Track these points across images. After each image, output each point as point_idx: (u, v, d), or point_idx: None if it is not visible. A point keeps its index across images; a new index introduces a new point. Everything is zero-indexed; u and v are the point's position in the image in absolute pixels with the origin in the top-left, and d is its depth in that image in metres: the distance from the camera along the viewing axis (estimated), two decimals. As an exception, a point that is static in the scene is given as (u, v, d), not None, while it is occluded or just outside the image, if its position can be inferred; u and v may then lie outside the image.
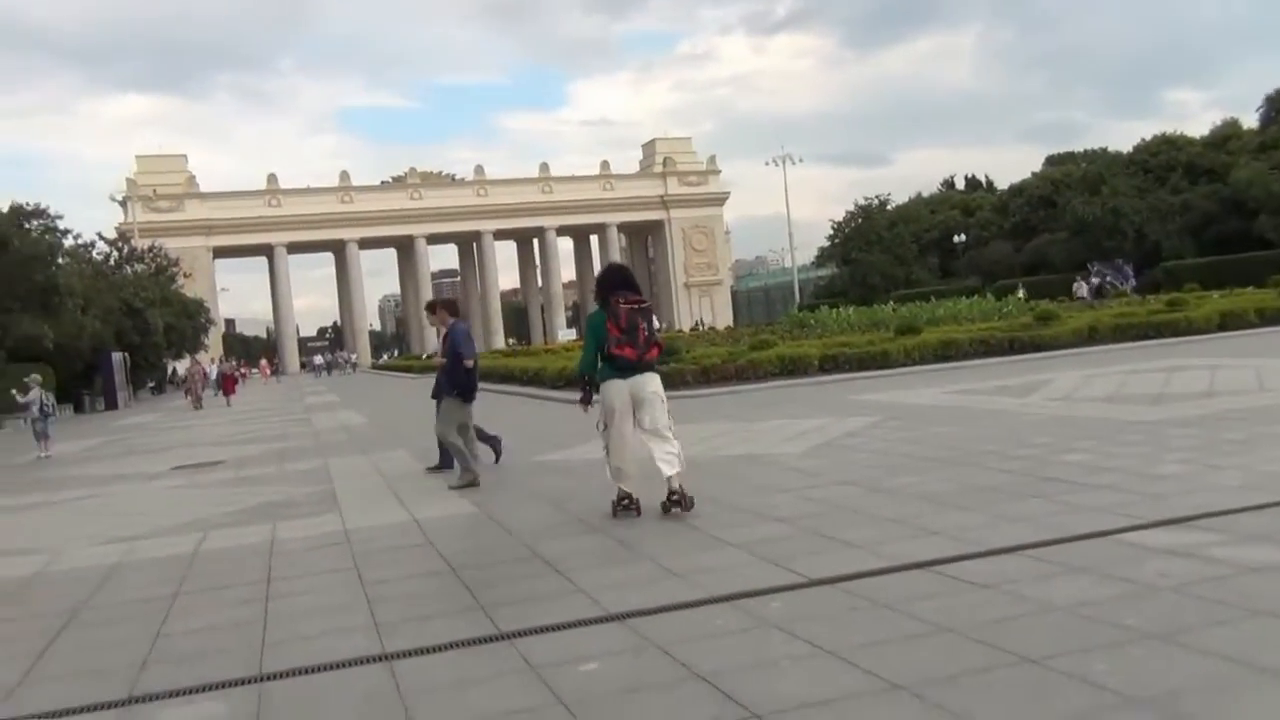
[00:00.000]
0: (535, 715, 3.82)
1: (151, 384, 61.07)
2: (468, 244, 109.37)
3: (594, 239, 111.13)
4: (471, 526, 8.03)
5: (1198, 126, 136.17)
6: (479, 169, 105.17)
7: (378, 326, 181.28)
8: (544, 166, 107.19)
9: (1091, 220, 65.37)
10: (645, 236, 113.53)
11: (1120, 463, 7.87)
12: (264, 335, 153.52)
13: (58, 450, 20.26)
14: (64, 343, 37.28)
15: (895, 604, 4.74)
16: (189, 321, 61.26)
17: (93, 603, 6.52)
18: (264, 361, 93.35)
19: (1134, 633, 4.07)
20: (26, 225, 38.35)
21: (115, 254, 56.18)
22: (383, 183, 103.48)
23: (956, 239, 79.13)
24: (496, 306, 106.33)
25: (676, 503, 7.49)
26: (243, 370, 73.97)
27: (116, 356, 44.79)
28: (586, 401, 8.02)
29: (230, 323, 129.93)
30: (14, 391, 21.33)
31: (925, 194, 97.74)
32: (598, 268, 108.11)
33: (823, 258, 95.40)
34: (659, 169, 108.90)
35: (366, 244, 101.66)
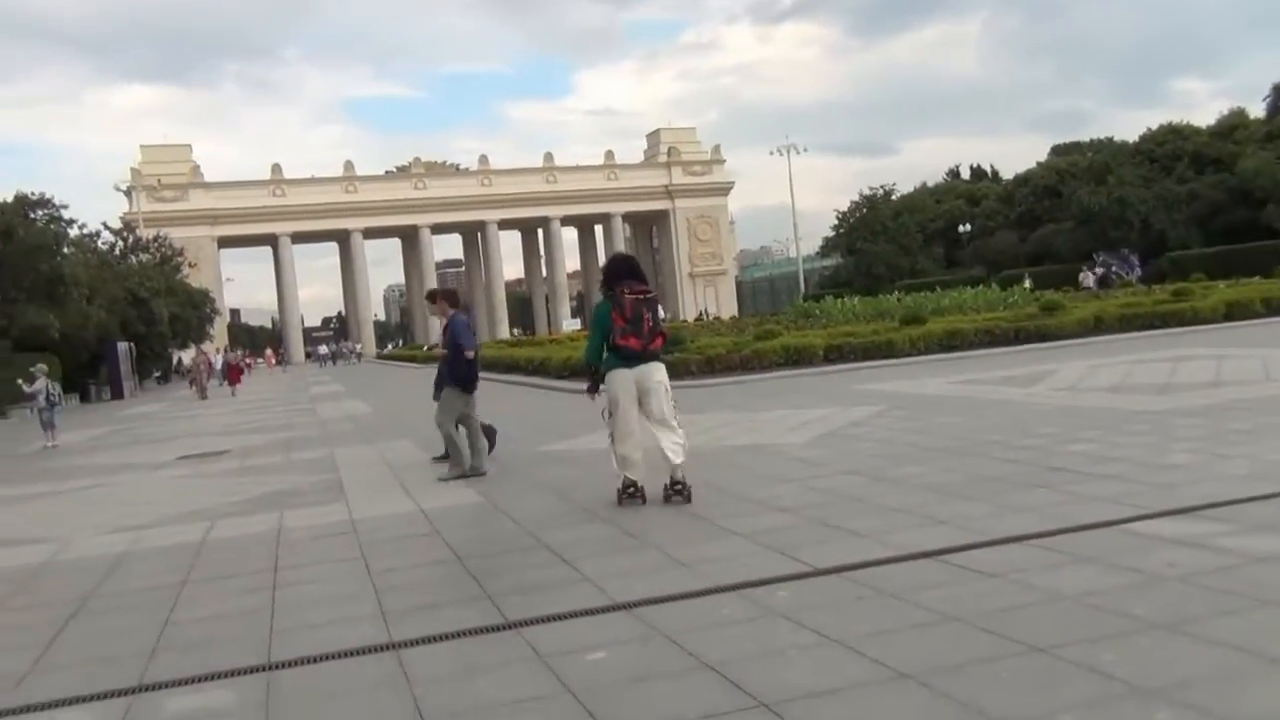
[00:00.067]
0: (543, 704, 3.83)
1: (157, 374, 61.18)
2: (472, 234, 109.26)
3: (599, 229, 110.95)
4: (477, 516, 8.04)
5: (1204, 116, 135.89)
6: (483, 159, 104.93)
7: (382, 316, 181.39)
8: (548, 156, 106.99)
9: (1097, 210, 65.24)
10: (650, 226, 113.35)
11: (1126, 453, 7.87)
12: (269, 325, 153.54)
13: (64, 440, 20.32)
14: (69, 332, 37.35)
15: (902, 593, 4.75)
16: (194, 311, 61.34)
17: (101, 591, 6.55)
18: (269, 351, 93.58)
19: (1141, 622, 4.07)
20: (32, 215, 38.41)
21: (120, 244, 56.25)
22: (387, 172, 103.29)
23: (962, 229, 79.04)
24: (501, 297, 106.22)
25: (678, 491, 7.59)
26: (248, 360, 74.07)
27: (122, 346, 44.86)
28: (594, 390, 8.05)
29: (235, 313, 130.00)
30: (20, 381, 21.39)
31: (930, 184, 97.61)
32: (602, 258, 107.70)
33: (827, 248, 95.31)
34: (663, 159, 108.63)
35: (371, 234, 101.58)
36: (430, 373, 11.73)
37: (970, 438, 9.43)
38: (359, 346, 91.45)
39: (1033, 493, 6.73)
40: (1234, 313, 24.66)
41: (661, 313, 7.84)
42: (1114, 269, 54.27)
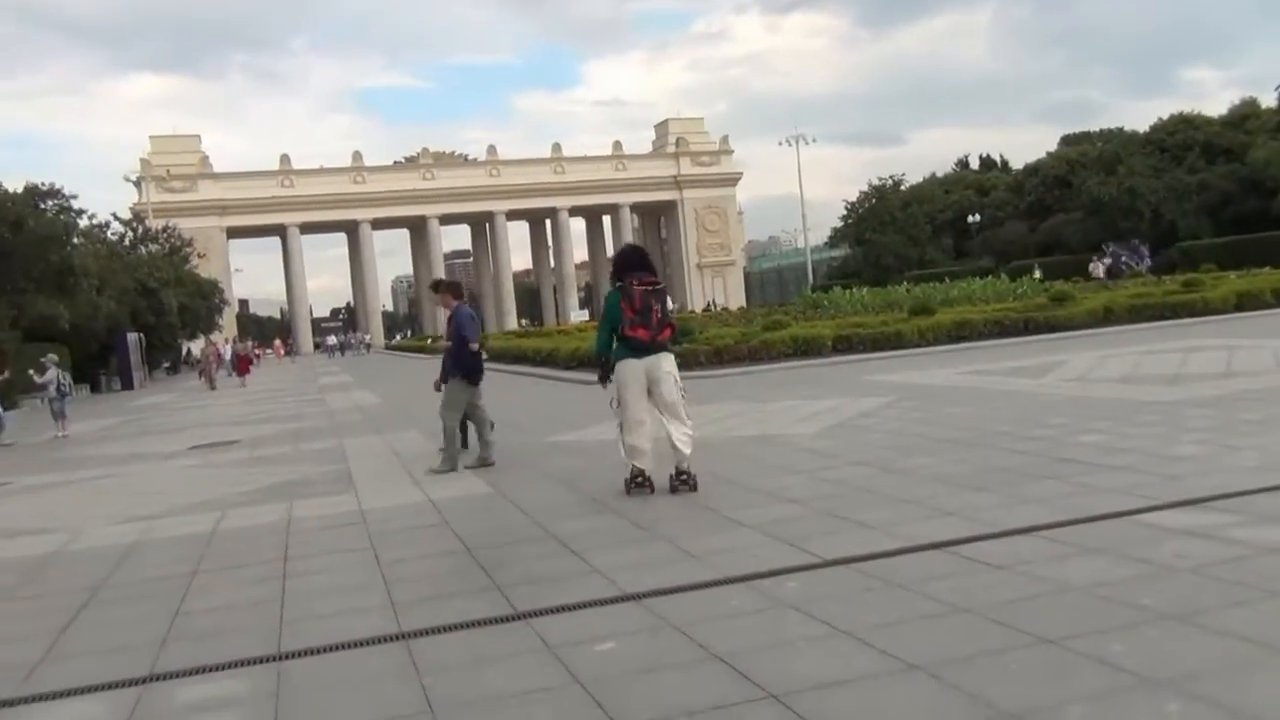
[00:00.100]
0: (552, 695, 3.84)
1: (166, 364, 61.38)
2: (480, 225, 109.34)
3: (606, 219, 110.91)
4: (486, 507, 8.05)
5: (1215, 106, 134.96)
6: (492, 149, 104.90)
7: (390, 307, 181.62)
8: (556, 147, 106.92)
9: (1107, 200, 64.94)
10: (658, 217, 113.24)
11: (1136, 444, 7.85)
12: (278, 316, 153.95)
13: (74, 430, 20.40)
14: (79, 323, 37.45)
15: (911, 584, 4.74)
16: (203, 302, 61.51)
17: (112, 581, 6.58)
18: (278, 342, 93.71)
19: (1151, 613, 4.06)
20: (42, 206, 38.46)
21: (130, 234, 56.43)
22: (395, 163, 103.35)
23: (971, 219, 78.70)
24: (509, 287, 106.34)
25: (684, 481, 7.68)
26: (257, 351, 74.23)
27: (132, 337, 45.01)
28: (605, 379, 8.07)
29: (244, 303, 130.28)
30: (31, 371, 21.47)
31: (940, 174, 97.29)
32: (610, 249, 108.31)
33: (836, 238, 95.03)
34: (672, 149, 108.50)
35: (379, 224, 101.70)
36: (439, 362, 11.71)
37: (979, 429, 9.42)
38: (368, 337, 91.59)
39: (1042, 484, 6.72)
40: (1245, 303, 24.58)
41: (670, 304, 7.86)
42: (1124, 259, 54.04)
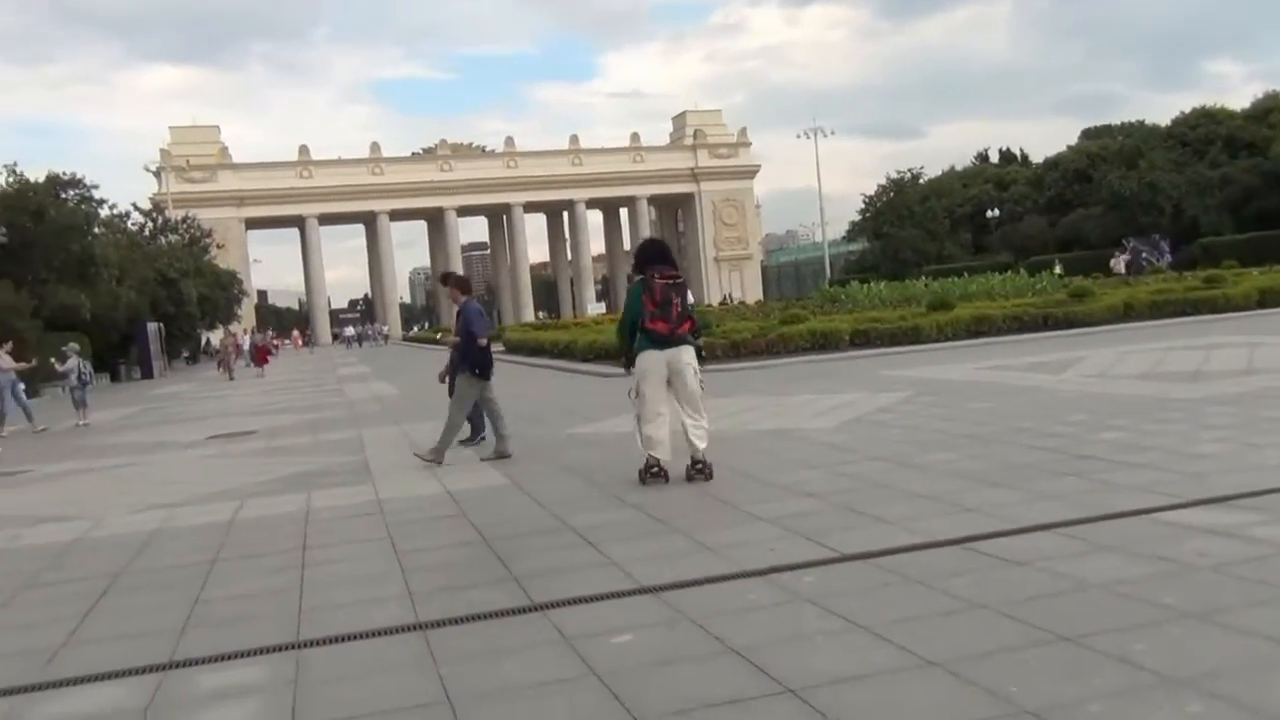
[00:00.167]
0: (570, 686, 3.84)
1: (186, 354, 61.74)
2: (497, 216, 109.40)
3: (624, 212, 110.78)
4: (503, 498, 8.07)
5: (1238, 99, 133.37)
6: (509, 141, 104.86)
7: (408, 299, 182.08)
8: (574, 139, 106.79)
9: (1128, 195, 64.53)
10: (675, 210, 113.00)
11: (1157, 441, 7.80)
12: (296, 307, 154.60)
13: (95, 418, 20.55)
14: (100, 313, 37.69)
15: (929, 580, 4.73)
16: (222, 292, 61.78)
17: (133, 568, 6.63)
18: (296, 333, 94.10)
19: (1172, 612, 4.04)
20: (63, 195, 38.71)
21: (150, 225, 56.74)
22: (413, 154, 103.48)
23: (990, 214, 78.28)
24: (526, 280, 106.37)
25: (699, 470, 7.80)
26: (275, 341, 74.56)
27: (152, 326, 45.28)
28: (630, 365, 8.14)
29: (263, 294, 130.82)
30: (53, 360, 21.63)
31: (959, 167, 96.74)
32: (628, 241, 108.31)
33: (854, 232, 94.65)
34: (689, 141, 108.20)
35: (397, 216, 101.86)
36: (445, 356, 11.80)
37: (998, 424, 9.38)
38: (386, 328, 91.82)
39: (1062, 480, 6.69)
40: (1267, 300, 24.40)
41: (691, 298, 7.95)
42: (1144, 255, 53.70)
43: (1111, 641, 3.76)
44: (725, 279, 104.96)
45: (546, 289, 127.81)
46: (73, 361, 20.30)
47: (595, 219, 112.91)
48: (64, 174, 39.44)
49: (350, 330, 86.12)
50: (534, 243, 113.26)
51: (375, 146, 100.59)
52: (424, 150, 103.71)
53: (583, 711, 3.60)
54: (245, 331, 63.13)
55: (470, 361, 10.15)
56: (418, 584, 5.52)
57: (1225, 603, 4.09)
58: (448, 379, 10.80)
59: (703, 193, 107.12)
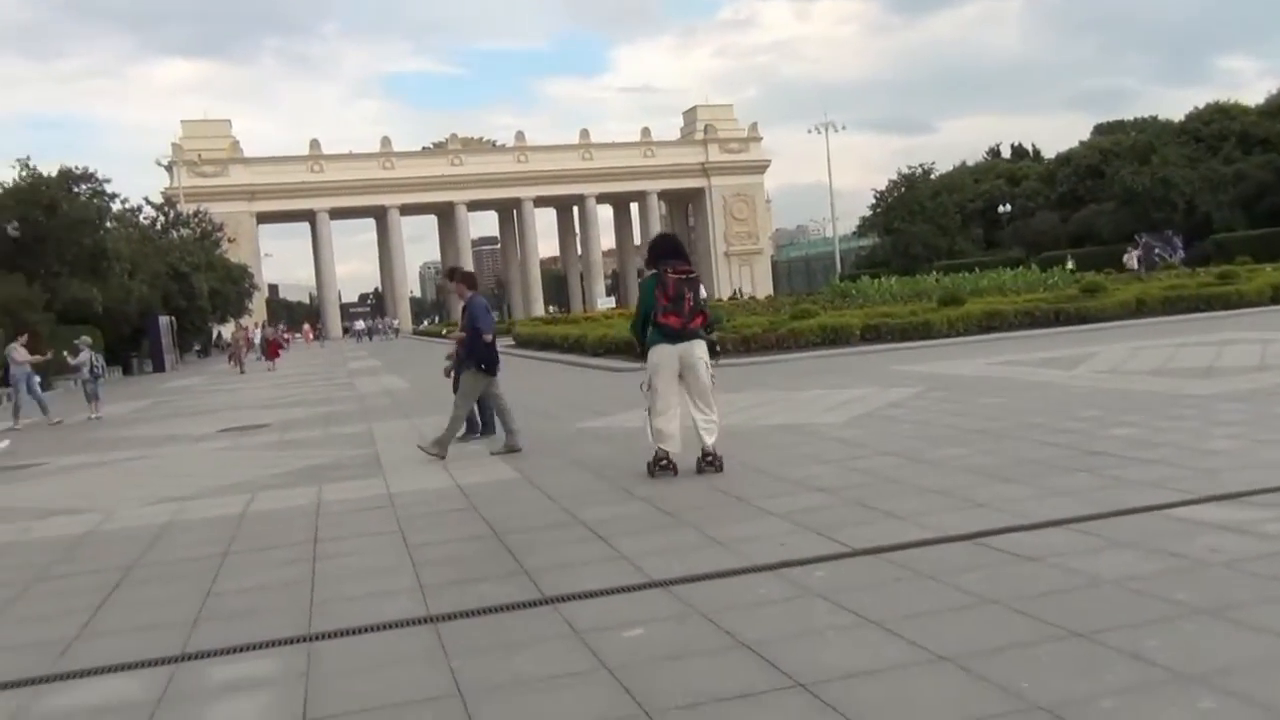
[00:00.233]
0: (581, 679, 3.85)
1: (197, 347, 61.95)
2: (508, 211, 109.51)
3: (634, 206, 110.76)
4: (513, 492, 8.08)
5: (1252, 95, 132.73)
6: (520, 135, 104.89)
7: (418, 293, 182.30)
8: (584, 133, 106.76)
9: (1141, 190, 64.20)
10: (686, 204, 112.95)
11: (1169, 437, 7.77)
12: (307, 301, 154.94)
13: (107, 411, 20.63)
14: (112, 306, 37.87)
15: (940, 575, 4.72)
16: (233, 286, 61.98)
17: (145, 561, 6.65)
18: (307, 326, 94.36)
19: (1184, 608, 4.02)
20: (75, 189, 38.89)
21: (161, 219, 56.93)
22: (424, 149, 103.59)
23: (1001, 209, 78.02)
24: (536, 274, 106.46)
25: (710, 463, 7.89)
26: (286, 335, 74.76)
27: (163, 320, 45.45)
28: (644, 353, 8.21)
29: (274, 288, 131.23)
30: (65, 353, 21.72)
31: (970, 163, 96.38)
32: (638, 236, 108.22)
33: (864, 227, 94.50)
34: (700, 136, 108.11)
35: (408, 210, 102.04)
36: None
37: (1010, 420, 9.35)
38: (396, 322, 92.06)
39: (1074, 476, 6.67)
40: (1280, 296, 24.25)
41: (703, 293, 8.03)
42: (1156, 251, 53.43)
43: (1124, 637, 3.75)
44: (735, 274, 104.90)
45: (556, 283, 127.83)
46: (85, 355, 20.38)
47: (605, 214, 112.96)
48: (76, 168, 39.63)
49: (361, 324, 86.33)
50: (544, 237, 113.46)
51: (386, 141, 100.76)
52: (434, 145, 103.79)
53: (594, 705, 3.60)
54: (256, 325, 63.33)
55: (476, 357, 10.16)
56: (428, 577, 5.54)
57: (1238, 599, 4.08)
58: (453, 374, 10.81)
59: (713, 187, 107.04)
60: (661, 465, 7.90)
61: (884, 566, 4.99)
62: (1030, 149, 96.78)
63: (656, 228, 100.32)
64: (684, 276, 7.83)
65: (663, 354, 7.88)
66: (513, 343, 37.28)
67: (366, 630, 4.68)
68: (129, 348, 43.53)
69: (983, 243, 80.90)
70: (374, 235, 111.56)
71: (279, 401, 20.94)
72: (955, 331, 21.82)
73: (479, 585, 5.31)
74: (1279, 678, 3.34)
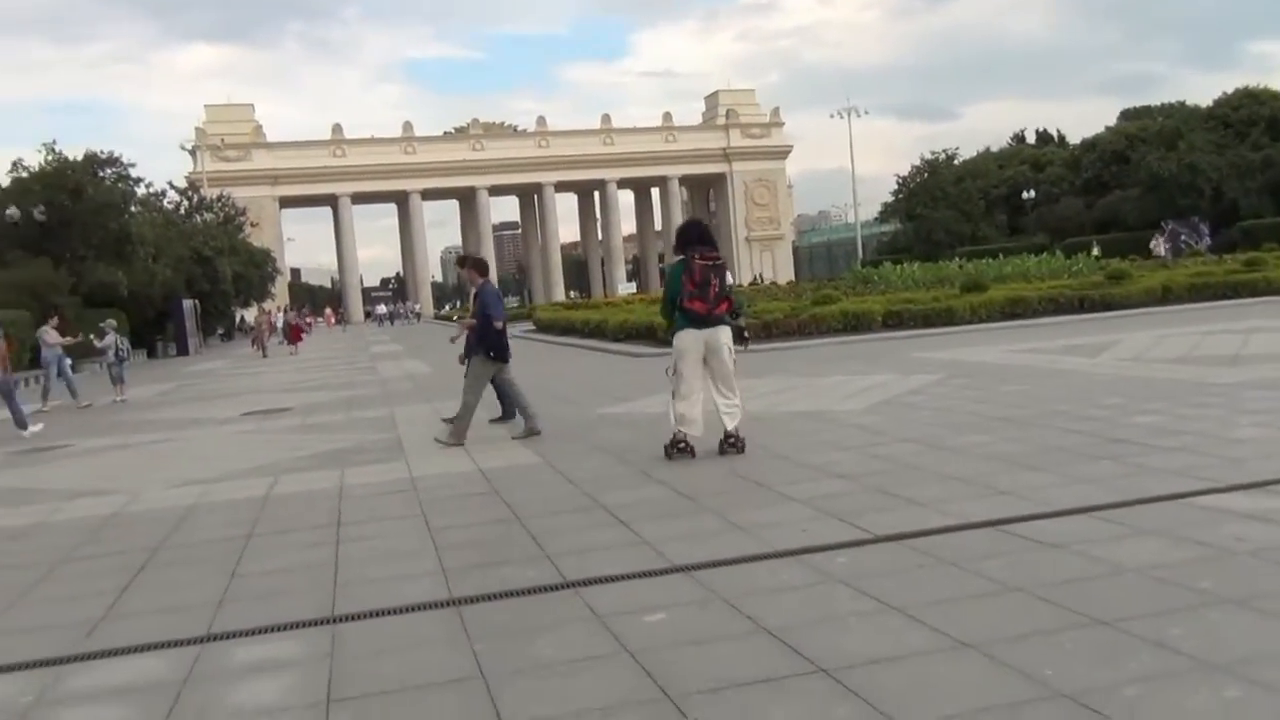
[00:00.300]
0: (602, 663, 3.86)
1: (221, 331, 62.32)
2: (529, 196, 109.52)
3: (655, 192, 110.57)
4: (535, 476, 8.10)
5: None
6: (541, 120, 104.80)
7: (440, 278, 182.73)
8: (605, 118, 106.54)
9: (1167, 177, 63.52)
10: (707, 190, 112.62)
11: (1194, 425, 7.71)
12: (329, 285, 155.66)
13: (132, 394, 20.79)
14: (137, 290, 38.15)
15: (962, 562, 4.71)
16: (256, 270, 62.29)
17: (170, 542, 6.72)
18: (329, 311, 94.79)
19: (1209, 596, 4.00)
20: (101, 174, 39.18)
21: (185, 203, 57.26)
22: (445, 134, 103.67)
23: (1025, 195, 77.34)
24: (557, 259, 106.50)
25: (732, 444, 8.04)
26: (309, 319, 75.12)
27: (187, 303, 45.73)
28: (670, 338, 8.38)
29: (296, 272, 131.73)
30: (91, 336, 21.91)
31: (994, 148, 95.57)
32: (659, 221, 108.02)
33: (886, 213, 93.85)
34: (721, 121, 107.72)
35: (429, 195, 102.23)
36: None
37: (1033, 407, 9.30)
38: (417, 306, 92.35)
39: (1097, 464, 6.63)
40: (1309, 284, 23.98)
41: (730, 279, 8.12)
42: (1183, 237, 52.93)
43: (1147, 626, 3.73)
44: (757, 259, 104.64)
45: (577, 268, 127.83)
46: (110, 338, 20.55)
47: (626, 199, 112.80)
48: (101, 152, 39.93)
49: (382, 308, 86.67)
50: (565, 222, 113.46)
51: (408, 126, 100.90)
52: (456, 130, 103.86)
53: (615, 688, 3.61)
54: (279, 309, 63.62)
55: (486, 344, 10.18)
56: (451, 560, 5.56)
57: (1263, 588, 4.05)
58: (467, 361, 10.85)
59: (735, 173, 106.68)
60: (679, 448, 8.02)
61: (906, 553, 4.98)
62: (1055, 134, 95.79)
63: (677, 213, 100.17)
64: (711, 263, 7.92)
65: (688, 339, 8.00)
66: (533, 328, 37.33)
67: (389, 613, 4.71)
68: (153, 331, 43.85)
69: (1006, 229, 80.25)
70: (395, 220, 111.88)
71: (301, 385, 21.05)
72: (978, 318, 21.71)
73: (501, 569, 5.33)
74: (1305, 667, 3.32)
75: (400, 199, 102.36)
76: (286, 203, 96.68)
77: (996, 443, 7.71)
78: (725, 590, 4.58)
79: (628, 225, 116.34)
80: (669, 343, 8.41)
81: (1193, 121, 69.46)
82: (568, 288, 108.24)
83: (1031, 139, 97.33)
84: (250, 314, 63.62)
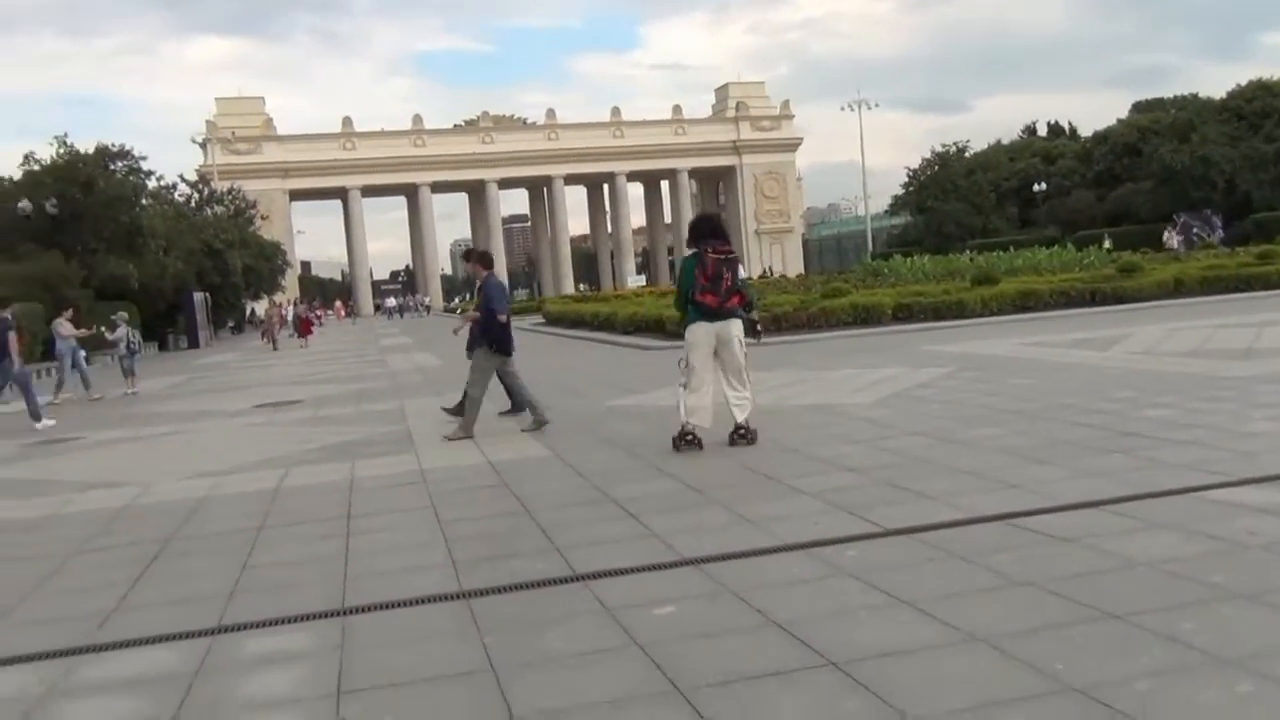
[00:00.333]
0: (612, 656, 3.86)
1: (231, 324, 62.50)
2: (538, 189, 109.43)
3: (664, 184, 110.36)
4: (544, 469, 8.11)
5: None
6: (550, 113, 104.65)
7: (449, 270, 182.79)
8: (615, 110, 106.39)
9: (1180, 169, 63.22)
10: (716, 182, 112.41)
11: (1206, 419, 7.67)
12: (338, 278, 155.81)
13: (143, 387, 20.87)
14: (148, 282, 38.25)
15: (972, 556, 4.70)
16: (266, 263, 62.36)
17: (181, 534, 6.74)
18: (339, 303, 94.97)
19: (1222, 591, 3.98)
20: (112, 167, 39.28)
21: (196, 196, 57.36)
22: (455, 126, 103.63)
23: (1036, 188, 77.03)
24: (566, 252, 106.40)
25: (742, 436, 8.10)
26: (319, 312, 75.26)
27: (198, 296, 45.85)
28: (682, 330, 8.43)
29: (306, 265, 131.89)
30: (102, 329, 21.99)
31: (1005, 141, 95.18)
32: (668, 214, 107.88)
33: (897, 206, 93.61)
34: (731, 114, 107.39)
35: (439, 188, 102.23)
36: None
37: (1043, 401, 9.27)
38: (427, 299, 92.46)
39: (1108, 458, 6.61)
40: (1322, 277, 23.84)
41: (742, 273, 8.21)
42: (1195, 230, 52.70)
43: (1159, 620, 3.72)
44: (766, 252, 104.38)
45: (586, 261, 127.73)
46: (121, 330, 20.61)
47: (636, 191, 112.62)
48: (113, 145, 40.03)
49: (392, 301, 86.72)
50: (574, 215, 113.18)
51: (417, 119, 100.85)
52: (465, 122, 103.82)
53: (625, 681, 3.61)
54: (289, 302, 63.77)
55: (490, 337, 10.18)
56: (461, 553, 5.57)
57: (1276, 582, 4.03)
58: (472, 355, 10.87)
59: (744, 165, 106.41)
60: (687, 440, 8.06)
61: (916, 547, 4.97)
62: (1067, 127, 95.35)
63: (687, 206, 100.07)
64: (723, 257, 7.98)
65: (699, 331, 8.05)
66: (543, 320, 37.35)
67: (399, 605, 4.72)
68: (164, 324, 43.98)
69: (1017, 222, 79.95)
70: (405, 213, 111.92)
71: (311, 378, 21.10)
72: (989, 311, 21.65)
73: (510, 561, 5.34)
74: (1318, 662, 3.30)
75: (410, 192, 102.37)
76: (296, 196, 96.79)
77: (1007, 436, 7.69)
78: (735, 583, 4.58)
79: (637, 218, 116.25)
80: (678, 335, 8.52)
81: (1206, 114, 69.09)
82: (577, 280, 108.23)
83: (1043, 131, 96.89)
84: (260, 307, 63.71)
